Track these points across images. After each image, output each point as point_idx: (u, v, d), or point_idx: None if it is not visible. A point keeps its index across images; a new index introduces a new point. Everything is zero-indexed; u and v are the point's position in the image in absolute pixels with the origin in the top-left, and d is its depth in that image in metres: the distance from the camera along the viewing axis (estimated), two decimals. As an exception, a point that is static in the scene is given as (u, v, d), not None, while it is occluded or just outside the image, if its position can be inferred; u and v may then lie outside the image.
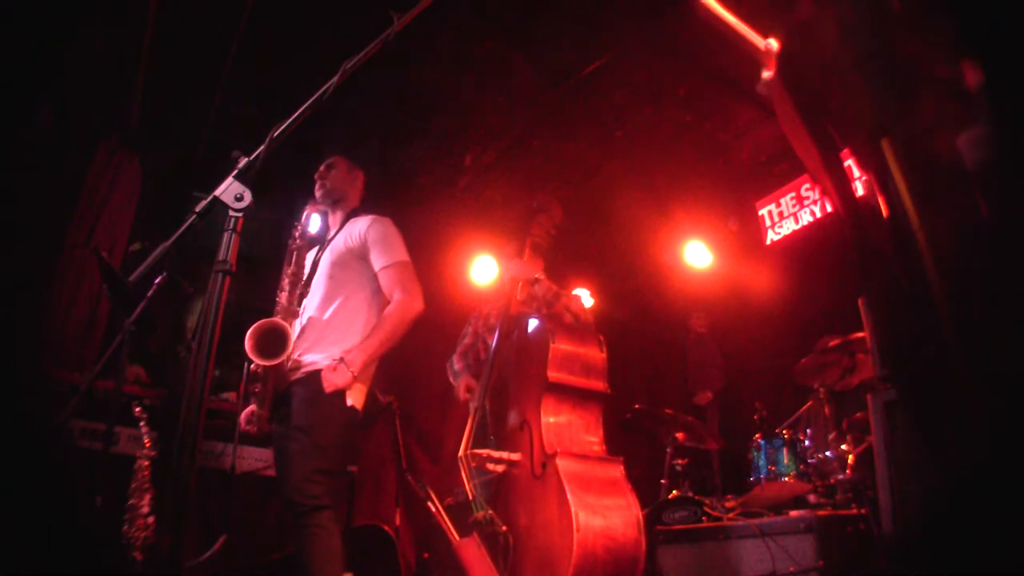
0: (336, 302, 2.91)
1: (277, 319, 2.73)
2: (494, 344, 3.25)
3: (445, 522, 3.14)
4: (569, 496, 2.62)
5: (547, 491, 2.73)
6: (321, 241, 3.14)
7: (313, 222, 3.21)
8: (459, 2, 4.00)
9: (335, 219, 3.17)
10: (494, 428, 3.15)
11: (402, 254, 2.96)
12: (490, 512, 2.89)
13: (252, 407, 2.82)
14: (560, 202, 3.58)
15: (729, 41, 1.53)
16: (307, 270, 3.03)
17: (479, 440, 3.11)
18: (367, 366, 2.80)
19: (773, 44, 1.43)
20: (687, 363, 6.48)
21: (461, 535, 3.04)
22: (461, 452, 3.09)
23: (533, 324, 3.17)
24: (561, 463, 2.74)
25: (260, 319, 2.72)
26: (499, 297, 3.74)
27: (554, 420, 2.92)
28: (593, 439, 2.99)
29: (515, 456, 2.93)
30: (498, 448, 3.02)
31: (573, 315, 3.39)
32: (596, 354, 3.10)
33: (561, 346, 3.00)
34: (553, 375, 2.94)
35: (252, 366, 2.74)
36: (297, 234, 3.01)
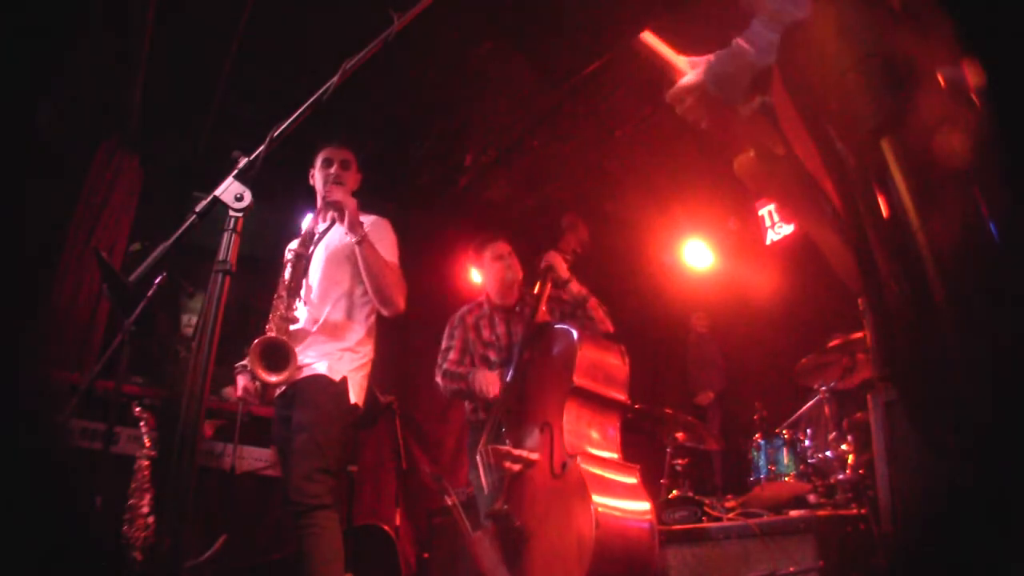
0: (331, 300, 2.91)
1: (281, 338, 2.70)
2: (518, 349, 3.28)
3: (460, 515, 3.19)
4: (591, 496, 2.66)
5: (566, 491, 2.76)
6: (310, 237, 3.06)
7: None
8: (459, 2, 3.99)
9: (328, 215, 3.08)
10: (508, 429, 3.16)
11: (394, 257, 2.97)
12: (506, 506, 2.90)
13: (251, 383, 2.81)
14: (584, 220, 3.65)
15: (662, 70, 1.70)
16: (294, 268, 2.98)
17: (492, 439, 3.13)
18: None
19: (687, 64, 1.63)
20: (687, 363, 6.47)
21: (473, 529, 3.08)
22: (481, 446, 3.13)
23: (560, 331, 3.22)
24: (582, 464, 2.79)
25: (260, 321, 2.72)
26: (492, 299, 3.69)
27: (576, 424, 2.97)
28: (612, 445, 3.05)
29: (534, 456, 2.96)
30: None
31: (604, 315, 3.44)
32: (619, 365, 3.18)
33: (588, 353, 3.07)
34: (578, 380, 3.00)
35: (256, 383, 2.74)
36: (296, 242, 3.00)
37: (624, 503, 2.78)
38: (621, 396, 3.13)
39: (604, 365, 3.12)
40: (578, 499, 2.69)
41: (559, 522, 2.73)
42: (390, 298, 2.83)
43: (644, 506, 2.84)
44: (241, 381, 2.88)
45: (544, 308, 3.41)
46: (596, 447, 2.97)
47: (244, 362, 2.77)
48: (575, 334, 3.11)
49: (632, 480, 2.93)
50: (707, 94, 1.55)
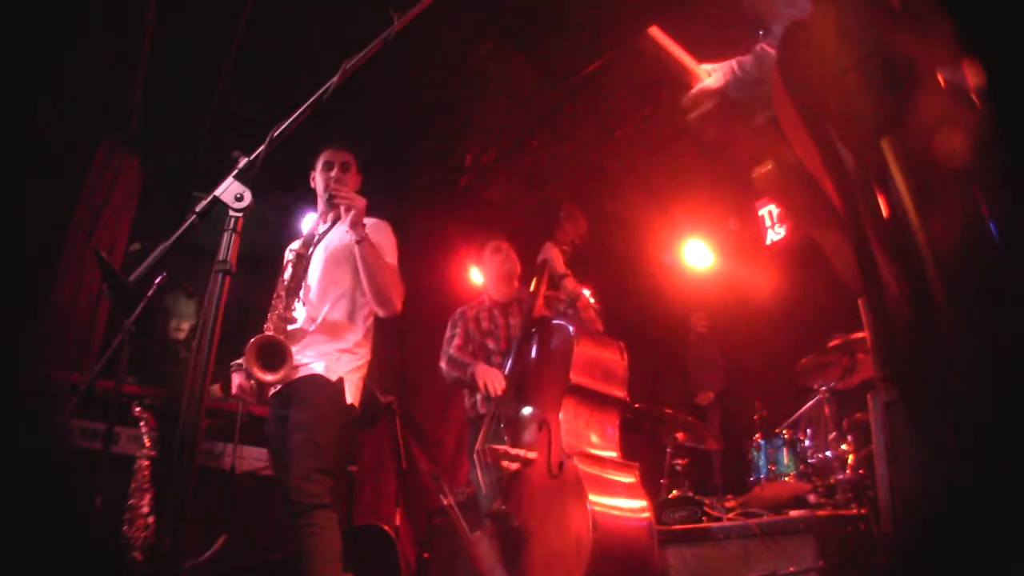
0: (330, 300, 2.92)
1: (278, 337, 2.71)
2: (515, 345, 3.27)
3: (457, 516, 3.18)
4: (588, 496, 2.65)
5: (564, 490, 2.76)
6: (311, 238, 3.06)
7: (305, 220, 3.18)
8: (459, 2, 3.99)
9: (329, 216, 3.09)
10: (506, 427, 3.16)
11: (393, 259, 2.97)
12: (504, 507, 2.90)
13: (247, 381, 2.82)
14: (583, 213, 3.61)
15: (672, 71, 1.66)
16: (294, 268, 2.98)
17: (490, 438, 3.12)
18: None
19: (708, 70, 1.59)
20: (687, 363, 6.48)
21: (472, 529, 3.08)
22: (478, 446, 3.11)
23: (557, 326, 3.20)
24: (579, 464, 2.78)
25: (259, 321, 2.72)
26: (491, 295, 3.72)
27: (573, 422, 2.95)
28: (610, 443, 3.04)
29: (531, 454, 2.95)
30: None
31: (596, 313, 3.41)
32: (618, 361, 3.16)
33: (585, 350, 3.05)
34: (575, 378, 2.98)
35: (251, 381, 2.75)
36: (297, 243, 3.00)
37: (622, 502, 2.77)
38: (620, 393, 3.11)
39: (602, 361, 3.10)
40: (575, 499, 2.68)
41: (558, 522, 2.73)
42: (388, 298, 2.84)
43: (642, 505, 2.83)
44: (236, 379, 2.88)
45: (541, 302, 3.40)
46: (594, 446, 2.96)
47: (239, 360, 2.78)
48: (571, 330, 3.09)
49: (630, 479, 2.91)
50: (728, 99, 1.54)
